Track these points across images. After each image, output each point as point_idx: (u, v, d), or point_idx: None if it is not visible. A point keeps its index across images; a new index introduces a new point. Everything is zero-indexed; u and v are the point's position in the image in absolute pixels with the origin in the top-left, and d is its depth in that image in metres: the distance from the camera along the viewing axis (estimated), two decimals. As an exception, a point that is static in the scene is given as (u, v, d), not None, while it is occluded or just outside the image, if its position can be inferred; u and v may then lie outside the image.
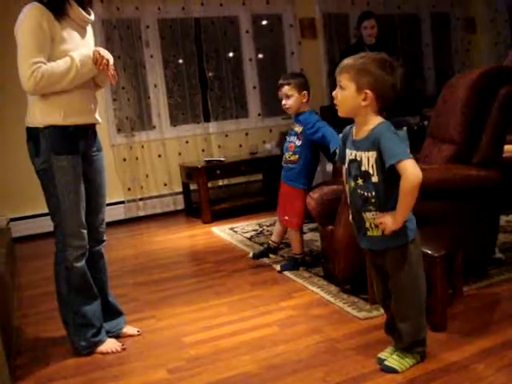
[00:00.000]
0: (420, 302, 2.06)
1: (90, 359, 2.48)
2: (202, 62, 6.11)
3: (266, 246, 3.68)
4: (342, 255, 2.83)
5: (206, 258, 4.03)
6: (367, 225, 2.02)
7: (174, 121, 6.07)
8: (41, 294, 3.46)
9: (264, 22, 6.57)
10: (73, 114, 2.39)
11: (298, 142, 3.33)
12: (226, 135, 6.17)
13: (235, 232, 4.71)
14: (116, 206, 5.58)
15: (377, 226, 1.98)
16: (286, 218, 3.40)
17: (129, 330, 2.71)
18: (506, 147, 3.04)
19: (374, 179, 1.94)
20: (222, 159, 5.61)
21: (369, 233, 2.03)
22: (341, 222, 2.81)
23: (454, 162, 2.83)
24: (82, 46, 2.45)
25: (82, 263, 2.46)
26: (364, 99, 1.92)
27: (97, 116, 2.56)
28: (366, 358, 2.19)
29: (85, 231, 2.47)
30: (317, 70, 6.58)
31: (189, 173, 5.62)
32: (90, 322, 2.49)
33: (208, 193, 5.39)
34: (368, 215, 2.00)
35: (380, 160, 1.91)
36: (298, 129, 3.35)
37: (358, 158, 1.98)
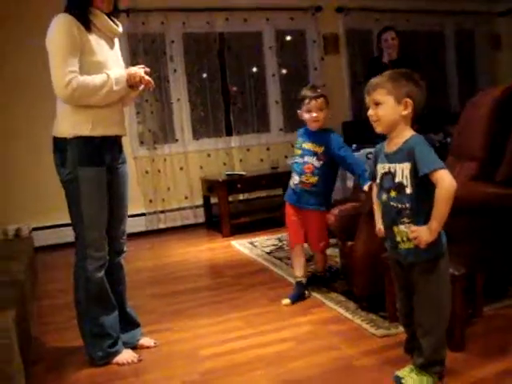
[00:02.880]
0: (443, 319, 2.05)
1: (105, 370, 2.48)
2: (225, 77, 6.16)
3: (297, 286, 3.22)
4: (361, 272, 2.81)
5: (225, 272, 4.02)
6: (398, 238, 2.02)
7: (197, 134, 6.12)
8: (60, 304, 3.48)
9: (288, 38, 6.61)
10: (100, 126, 2.42)
11: (318, 163, 3.12)
12: (248, 149, 6.19)
13: (255, 246, 4.70)
14: (137, 217, 5.62)
15: (409, 240, 1.98)
16: (322, 244, 3.24)
17: (145, 341, 2.70)
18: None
19: (408, 190, 1.95)
20: (243, 173, 5.62)
21: (400, 246, 2.03)
22: (360, 239, 2.79)
23: (476, 180, 2.80)
24: (110, 57, 2.49)
25: (101, 274, 2.47)
26: (405, 108, 1.98)
27: (123, 128, 2.59)
28: (382, 376, 2.16)
29: (105, 242, 2.49)
30: (340, 85, 6.59)
31: (210, 186, 5.64)
32: (107, 333, 2.49)
33: (228, 206, 5.40)
34: (401, 228, 2.00)
35: (414, 171, 1.93)
36: (318, 149, 3.14)
37: (392, 170, 2.00)
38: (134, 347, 2.64)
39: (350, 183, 4.70)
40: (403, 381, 2.05)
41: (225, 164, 6.09)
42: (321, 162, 3.12)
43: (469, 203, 2.66)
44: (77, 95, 2.30)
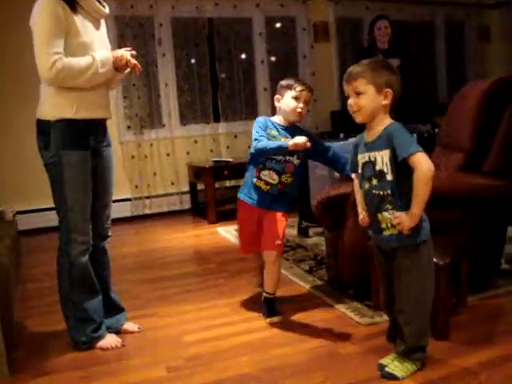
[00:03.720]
0: (425, 307, 2.06)
1: (88, 354, 2.47)
2: (213, 63, 6.11)
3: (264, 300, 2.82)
4: (347, 260, 2.81)
5: (210, 258, 4.02)
6: (383, 225, 2.05)
7: (184, 120, 6.08)
8: (44, 287, 3.45)
9: (277, 25, 6.56)
10: (84, 109, 2.37)
11: (297, 162, 2.76)
12: (235, 136, 6.16)
13: (240, 233, 4.69)
14: (122, 203, 5.58)
15: (393, 226, 2.00)
16: (278, 242, 2.72)
17: (129, 326, 2.69)
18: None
19: (389, 177, 1.98)
20: (230, 160, 5.60)
21: (384, 232, 2.05)
22: (347, 227, 2.79)
23: (463, 171, 2.81)
24: (96, 38, 2.44)
25: (85, 258, 2.45)
26: (385, 98, 2.00)
27: (108, 111, 2.55)
28: (366, 363, 2.17)
29: (89, 227, 2.46)
30: (329, 74, 6.58)
31: (196, 172, 5.62)
32: (90, 317, 2.48)
33: (215, 193, 5.39)
34: (385, 215, 2.02)
35: (394, 157, 1.96)
36: None
37: (372, 159, 2.03)
38: (118, 332, 2.64)
39: (337, 173, 4.70)
40: (387, 368, 2.06)
41: (212, 150, 6.07)
42: (299, 161, 2.77)
43: (456, 194, 2.67)
44: (61, 77, 2.26)
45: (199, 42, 5.99)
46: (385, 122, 2.03)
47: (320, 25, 6.55)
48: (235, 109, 6.23)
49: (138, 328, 2.69)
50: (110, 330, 2.60)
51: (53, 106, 2.35)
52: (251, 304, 2.96)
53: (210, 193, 5.34)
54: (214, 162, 5.55)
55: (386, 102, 2.01)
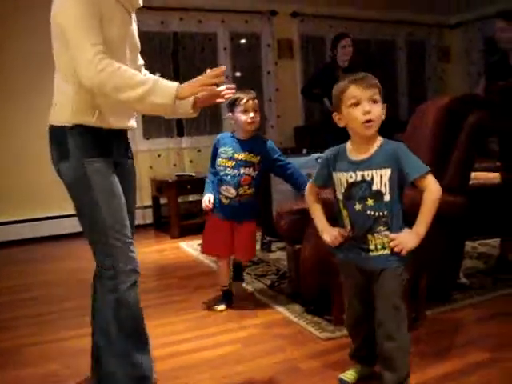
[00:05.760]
0: (405, 323, 1.96)
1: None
2: (178, 77, 6.10)
3: (222, 294, 3.16)
4: (308, 275, 2.82)
5: (172, 273, 3.98)
6: (372, 246, 1.92)
7: (147, 134, 6.03)
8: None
9: (242, 41, 6.61)
10: (108, 116, 1.95)
11: (254, 174, 2.93)
12: (199, 150, 6.14)
13: (203, 248, 4.66)
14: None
15: (384, 247, 1.90)
16: (251, 256, 3.21)
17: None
18: (474, 174, 3.09)
19: (387, 198, 1.87)
20: (193, 174, 5.58)
21: (371, 253, 1.93)
22: (309, 242, 2.80)
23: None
24: (131, 34, 2.05)
25: (135, 294, 1.93)
26: (383, 114, 1.92)
27: (133, 121, 2.13)
28: (326, 378, 2.17)
29: (135, 250, 1.95)
30: (293, 90, 6.63)
31: (159, 187, 5.57)
32: (144, 375, 1.92)
33: (178, 208, 5.36)
34: (376, 236, 1.91)
35: (395, 176, 1.86)
36: (255, 159, 2.92)
37: (368, 178, 1.89)
38: None
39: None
40: None
41: (175, 165, 6.04)
42: (256, 172, 2.94)
43: (414, 209, 2.71)
44: (102, 77, 1.77)
45: (164, 56, 5.99)
46: (378, 138, 1.93)
47: (284, 41, 6.62)
48: (199, 123, 6.22)
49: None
50: None
51: (70, 110, 1.90)
52: (212, 320, 2.94)
53: (173, 207, 5.30)
54: (177, 176, 5.52)
55: (383, 116, 1.92)
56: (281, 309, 2.99)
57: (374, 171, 1.88)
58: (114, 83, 1.78)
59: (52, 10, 1.86)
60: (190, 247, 4.75)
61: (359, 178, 1.90)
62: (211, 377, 2.27)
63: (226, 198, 2.96)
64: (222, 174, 2.96)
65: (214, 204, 3.01)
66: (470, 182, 2.96)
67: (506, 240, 3.50)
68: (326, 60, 6.36)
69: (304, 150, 5.05)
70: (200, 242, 4.83)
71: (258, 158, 2.94)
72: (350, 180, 1.92)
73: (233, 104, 2.91)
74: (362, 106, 1.86)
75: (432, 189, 1.85)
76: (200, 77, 1.97)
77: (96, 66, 1.75)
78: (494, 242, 3.90)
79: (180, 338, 2.71)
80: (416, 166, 1.85)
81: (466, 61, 7.61)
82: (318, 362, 2.35)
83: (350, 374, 2.12)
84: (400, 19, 7.33)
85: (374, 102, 1.87)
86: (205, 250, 3.20)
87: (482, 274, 3.37)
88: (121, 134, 2.08)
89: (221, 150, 2.98)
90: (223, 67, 1.99)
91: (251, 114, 2.88)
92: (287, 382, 2.18)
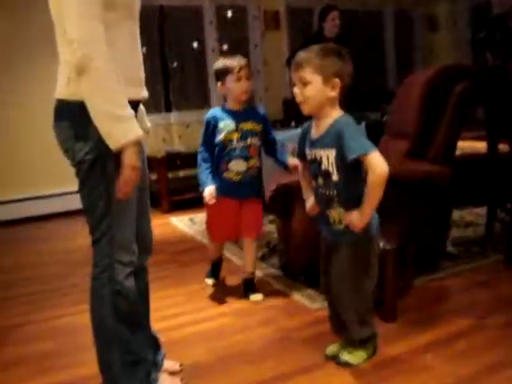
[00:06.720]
0: (363, 300, 2.03)
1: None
2: (164, 51, 6.06)
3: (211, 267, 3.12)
4: (298, 247, 2.85)
5: (163, 249, 3.99)
6: (331, 220, 1.99)
7: (135, 110, 6.00)
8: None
9: (228, 13, 6.54)
10: (127, 85, 1.67)
11: (259, 144, 2.81)
12: (187, 125, 6.13)
13: (194, 223, 4.69)
14: (75, 195, 5.46)
15: (341, 222, 1.95)
16: (259, 230, 2.94)
17: (170, 365, 2.15)
18: (461, 144, 3.12)
19: (335, 178, 1.90)
20: (183, 150, 5.58)
21: (333, 227, 2.00)
22: (297, 215, 2.82)
23: (409, 157, 2.88)
24: (136, 8, 1.78)
25: (132, 283, 1.86)
26: (332, 89, 1.87)
27: (145, 89, 1.89)
28: (317, 348, 2.21)
29: (135, 243, 1.90)
30: (280, 62, 6.55)
31: (149, 163, 5.54)
32: (142, 358, 1.90)
33: (167, 183, 5.36)
34: (333, 212, 1.97)
35: (340, 157, 1.86)
36: (257, 127, 2.77)
37: (318, 158, 1.93)
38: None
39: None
40: (341, 357, 2.08)
41: (164, 140, 6.02)
42: (260, 142, 2.81)
43: (402, 179, 2.73)
44: (94, 64, 1.54)
45: (150, 30, 5.92)
46: (333, 115, 1.91)
47: (270, 13, 6.56)
48: (187, 98, 6.20)
49: (180, 366, 2.18)
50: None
51: None
52: (205, 293, 2.98)
53: (163, 183, 5.31)
54: (167, 152, 5.51)
55: (334, 93, 1.87)
56: (272, 281, 3.03)
57: (322, 151, 1.92)
58: (97, 69, 1.56)
59: None
60: (181, 222, 4.77)
61: (313, 157, 1.97)
62: (204, 349, 2.32)
63: (237, 173, 2.75)
64: (228, 149, 2.72)
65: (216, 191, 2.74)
66: (457, 152, 2.99)
67: (493, 208, 3.55)
68: (313, 31, 6.32)
69: (293, 123, 5.05)
70: (191, 217, 4.90)
71: (260, 126, 2.78)
72: (308, 157, 2.01)
73: (223, 73, 2.70)
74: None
75: (374, 169, 1.79)
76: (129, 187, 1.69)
77: (87, 42, 1.55)
78: (481, 211, 3.94)
79: (173, 312, 2.75)
80: (355, 147, 1.80)
81: (453, 30, 7.58)
82: (310, 331, 2.39)
83: (336, 348, 2.15)
84: (387, -11, 7.28)
85: (304, 83, 1.88)
86: (215, 239, 2.99)
87: (470, 243, 3.42)
88: (137, 109, 1.83)
89: (220, 125, 2.73)
90: None
91: (245, 83, 2.69)
92: (279, 353, 2.22)
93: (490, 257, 3.16)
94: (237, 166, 2.74)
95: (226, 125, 2.73)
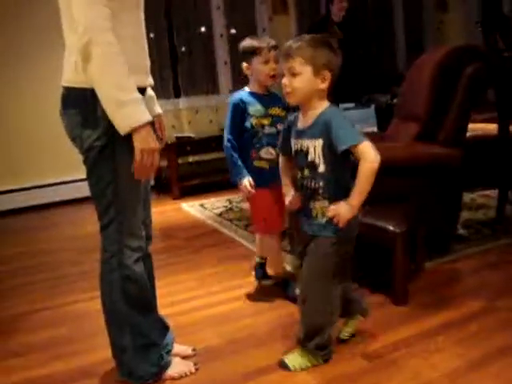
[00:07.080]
0: (329, 305, 1.96)
1: None
2: (172, 37, 6.04)
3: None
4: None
5: (175, 234, 4.02)
6: (314, 214, 1.93)
7: (144, 96, 6.00)
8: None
9: (236, -3, 6.50)
10: (133, 73, 1.67)
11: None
12: (197, 111, 6.12)
13: (205, 208, 4.71)
14: (81, 183, 5.50)
15: (323, 216, 1.89)
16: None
17: (181, 350, 2.15)
18: (472, 126, 3.10)
19: (321, 169, 1.86)
20: (192, 135, 5.58)
21: (313, 221, 1.93)
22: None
23: (419, 140, 2.87)
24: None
25: (141, 267, 1.89)
26: (322, 81, 1.84)
27: (150, 77, 1.93)
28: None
29: (143, 228, 1.92)
30: (288, 46, 6.55)
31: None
32: (153, 342, 1.95)
33: (178, 169, 5.38)
34: (317, 204, 1.91)
35: (328, 148, 1.83)
36: (282, 113, 2.60)
37: (304, 148, 1.90)
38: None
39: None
40: (286, 360, 2.01)
41: (174, 126, 6.02)
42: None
43: (412, 162, 2.73)
44: (99, 46, 1.57)
45: (157, 16, 5.89)
46: (320, 106, 1.87)
47: (278, -3, 6.51)
48: (196, 83, 6.19)
49: (193, 350, 2.18)
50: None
51: None
52: (217, 277, 3.00)
53: (173, 169, 5.32)
54: (177, 137, 5.52)
55: (323, 85, 1.84)
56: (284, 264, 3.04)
57: (309, 141, 1.87)
58: (103, 51, 1.58)
59: None
60: (192, 208, 4.79)
61: (299, 147, 1.92)
62: (215, 332, 2.34)
63: (268, 161, 2.57)
64: (260, 135, 2.56)
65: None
66: (468, 134, 2.97)
67: (504, 191, 3.53)
68: (320, 15, 6.28)
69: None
70: (201, 202, 4.91)
71: (284, 112, 2.59)
72: (294, 148, 1.95)
73: (251, 53, 2.50)
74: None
75: (365, 160, 1.75)
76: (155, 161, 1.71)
77: (94, 20, 1.57)
78: (492, 194, 3.93)
79: (186, 297, 2.78)
80: (345, 138, 1.77)
81: (464, 10, 7.49)
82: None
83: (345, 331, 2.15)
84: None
85: (293, 74, 1.84)
86: (268, 230, 2.68)
87: (481, 225, 3.41)
88: (143, 94, 1.83)
89: (251, 109, 2.55)
90: None
91: (273, 65, 2.49)
92: (288, 336, 2.23)
93: (500, 239, 3.15)
94: (268, 154, 2.57)
95: (257, 109, 2.56)
